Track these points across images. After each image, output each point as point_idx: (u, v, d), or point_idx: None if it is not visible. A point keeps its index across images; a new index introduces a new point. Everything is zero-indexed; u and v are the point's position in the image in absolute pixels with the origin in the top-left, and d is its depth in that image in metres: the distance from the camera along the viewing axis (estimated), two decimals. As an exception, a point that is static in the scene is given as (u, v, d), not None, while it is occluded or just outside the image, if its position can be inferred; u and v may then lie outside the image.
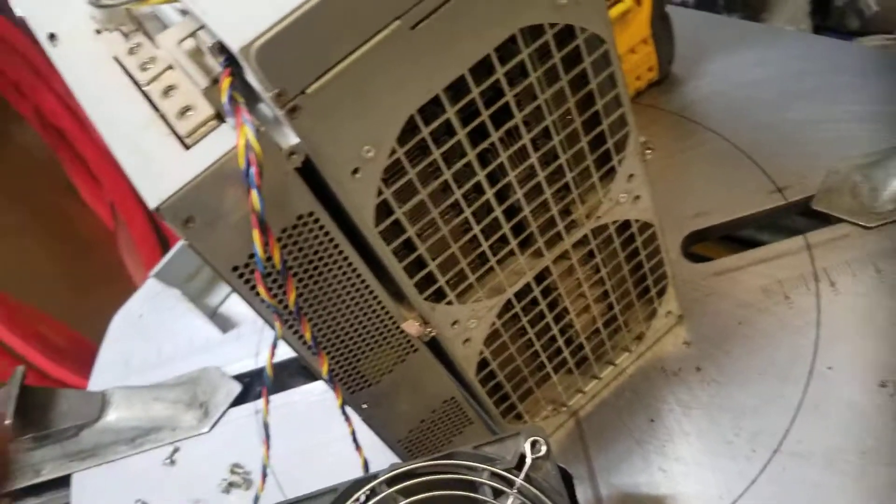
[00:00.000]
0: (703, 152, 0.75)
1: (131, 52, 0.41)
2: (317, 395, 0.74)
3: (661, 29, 0.76)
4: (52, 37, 0.45)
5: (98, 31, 0.43)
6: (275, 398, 0.75)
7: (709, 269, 0.68)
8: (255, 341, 0.80)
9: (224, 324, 0.88)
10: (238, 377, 0.79)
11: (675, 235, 0.70)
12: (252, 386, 0.79)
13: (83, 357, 1.00)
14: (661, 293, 0.61)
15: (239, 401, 0.77)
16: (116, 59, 0.41)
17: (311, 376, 0.79)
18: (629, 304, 0.60)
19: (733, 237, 0.73)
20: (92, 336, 0.99)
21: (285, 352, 0.77)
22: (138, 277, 1.44)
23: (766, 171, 0.71)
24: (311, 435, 0.71)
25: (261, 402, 0.72)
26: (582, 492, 0.59)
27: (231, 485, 0.70)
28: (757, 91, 0.77)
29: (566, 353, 0.58)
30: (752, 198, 0.70)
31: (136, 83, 0.39)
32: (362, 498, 0.44)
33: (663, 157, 0.76)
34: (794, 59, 0.78)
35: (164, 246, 1.44)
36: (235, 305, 0.92)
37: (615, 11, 0.72)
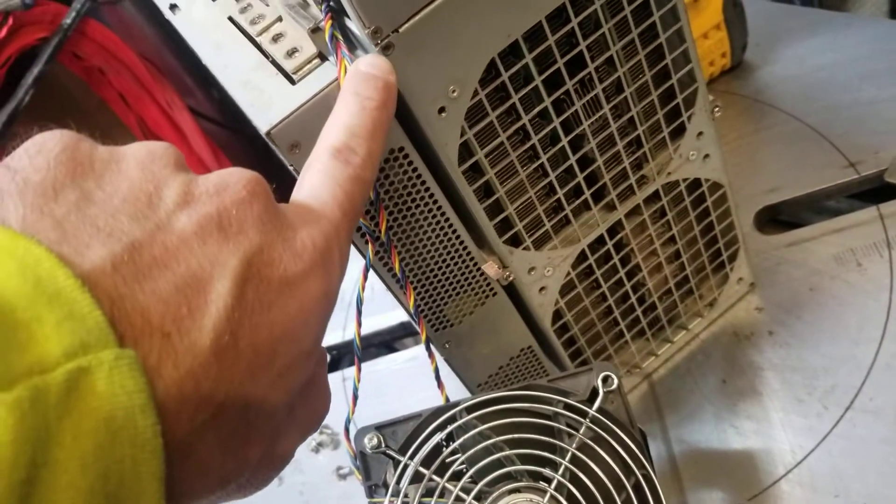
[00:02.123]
0: (776, 133, 0.77)
1: (243, 11, 0.46)
2: (399, 364, 0.78)
3: (734, 15, 0.79)
4: (172, 7, 0.51)
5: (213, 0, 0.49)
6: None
7: (781, 240, 0.69)
8: (342, 317, 0.85)
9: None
10: (326, 348, 0.83)
11: (748, 209, 0.71)
12: (339, 357, 0.83)
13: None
14: (732, 258, 0.63)
15: (327, 369, 0.81)
16: (231, 19, 0.46)
17: (393, 348, 0.83)
18: (701, 266, 0.62)
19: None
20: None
21: (368, 326, 0.82)
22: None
23: (839, 148, 0.72)
24: (394, 399, 0.74)
25: (347, 371, 0.76)
26: (655, 448, 0.61)
27: (320, 444, 0.74)
28: (829, 74, 0.79)
29: (638, 312, 0.61)
30: (824, 173, 0.71)
31: (247, 36, 0.44)
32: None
33: (737, 137, 0.78)
34: (866, 42, 0.80)
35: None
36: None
37: (688, -4, 0.75)
